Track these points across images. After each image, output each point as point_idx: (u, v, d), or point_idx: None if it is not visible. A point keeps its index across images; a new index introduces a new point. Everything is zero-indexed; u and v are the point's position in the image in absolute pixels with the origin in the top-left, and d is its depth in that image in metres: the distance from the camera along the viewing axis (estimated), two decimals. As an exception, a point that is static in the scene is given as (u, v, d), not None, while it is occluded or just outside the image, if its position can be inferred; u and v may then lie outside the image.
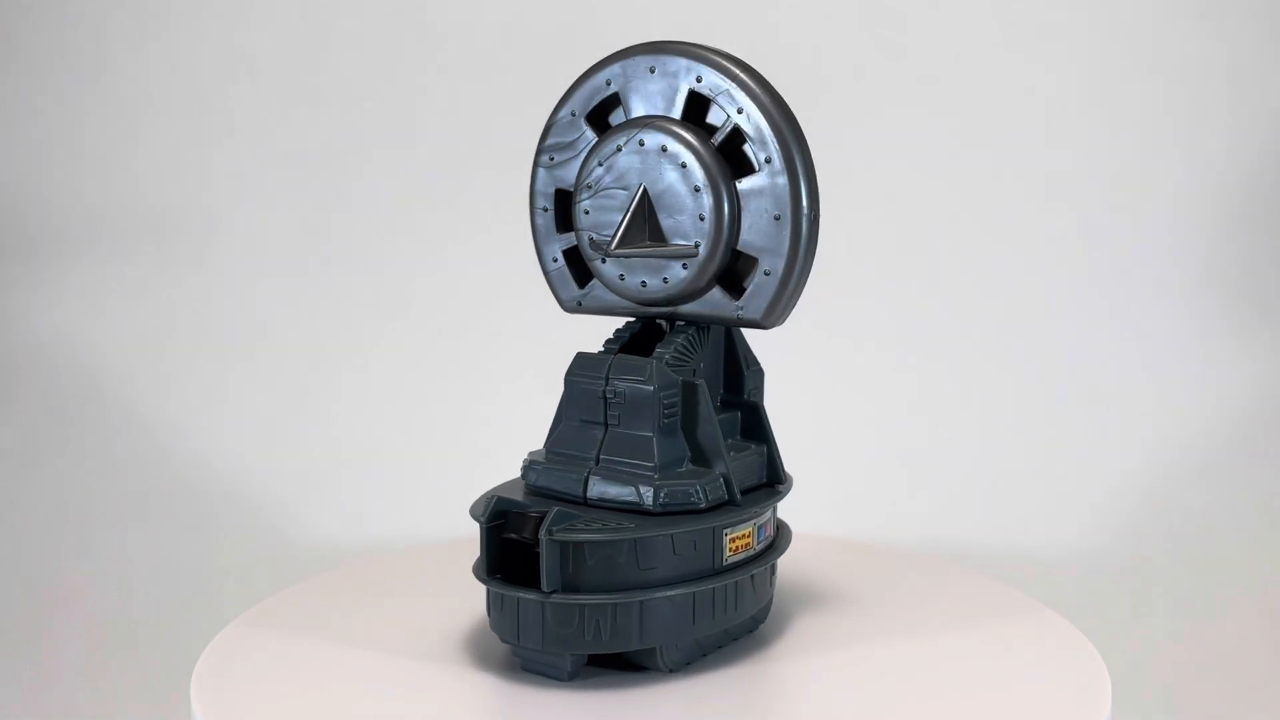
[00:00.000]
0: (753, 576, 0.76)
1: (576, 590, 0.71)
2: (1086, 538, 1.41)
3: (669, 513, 0.72)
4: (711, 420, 0.75)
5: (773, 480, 0.79)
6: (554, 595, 0.70)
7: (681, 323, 0.79)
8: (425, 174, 1.56)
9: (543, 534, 0.70)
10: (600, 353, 0.78)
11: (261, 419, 1.51)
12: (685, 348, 0.77)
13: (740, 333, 0.80)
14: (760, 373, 0.81)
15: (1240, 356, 1.54)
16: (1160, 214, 1.57)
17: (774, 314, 0.75)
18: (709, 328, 0.78)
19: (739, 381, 0.80)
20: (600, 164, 0.78)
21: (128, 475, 1.47)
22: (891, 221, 1.53)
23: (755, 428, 0.79)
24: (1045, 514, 1.43)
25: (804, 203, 0.73)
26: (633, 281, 0.78)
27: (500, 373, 1.51)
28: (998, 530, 1.41)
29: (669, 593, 0.72)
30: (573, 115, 0.80)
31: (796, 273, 0.74)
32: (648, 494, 0.72)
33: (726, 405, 0.80)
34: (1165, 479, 1.47)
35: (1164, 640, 1.24)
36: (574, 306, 0.83)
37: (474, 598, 0.86)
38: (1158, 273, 1.56)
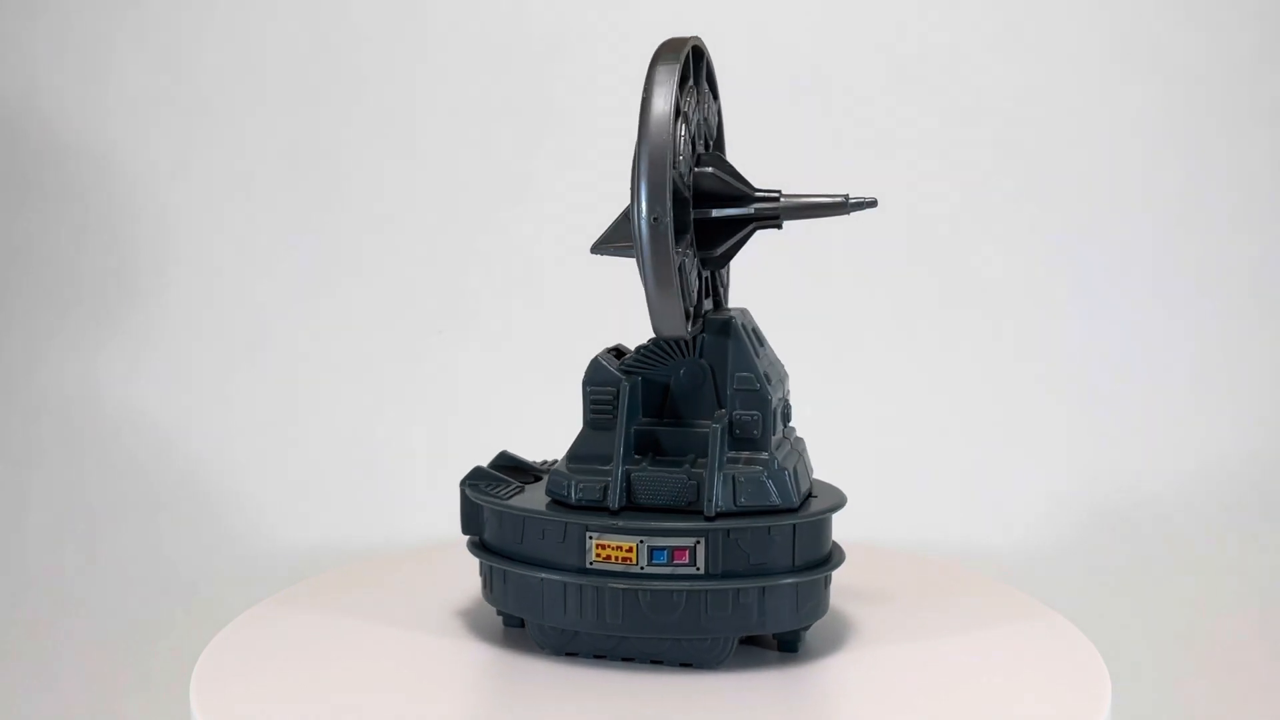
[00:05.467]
0: (640, 595, 0.73)
1: (481, 546, 0.80)
2: (1087, 538, 1.41)
3: (552, 499, 0.77)
4: (615, 426, 0.76)
5: (696, 508, 0.74)
6: (467, 540, 0.81)
7: None
8: (425, 173, 1.56)
9: (459, 484, 0.81)
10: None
11: (261, 419, 1.51)
12: (649, 352, 0.78)
13: (744, 352, 0.76)
14: (756, 395, 0.76)
15: (1240, 358, 1.54)
16: (1161, 216, 1.57)
17: (660, 323, 0.72)
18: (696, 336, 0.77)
19: (724, 399, 0.76)
20: None
21: (128, 475, 1.47)
22: (889, 222, 1.53)
23: (708, 450, 0.75)
24: (1046, 514, 1.43)
25: (642, 205, 0.69)
26: None
27: (501, 372, 1.51)
28: (998, 530, 1.41)
29: (523, 571, 0.76)
30: None
31: (650, 280, 0.70)
32: (551, 478, 0.77)
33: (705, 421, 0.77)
34: (1166, 479, 1.47)
35: (1164, 640, 1.24)
36: None
37: (475, 597, 0.86)
38: (1159, 274, 1.56)
